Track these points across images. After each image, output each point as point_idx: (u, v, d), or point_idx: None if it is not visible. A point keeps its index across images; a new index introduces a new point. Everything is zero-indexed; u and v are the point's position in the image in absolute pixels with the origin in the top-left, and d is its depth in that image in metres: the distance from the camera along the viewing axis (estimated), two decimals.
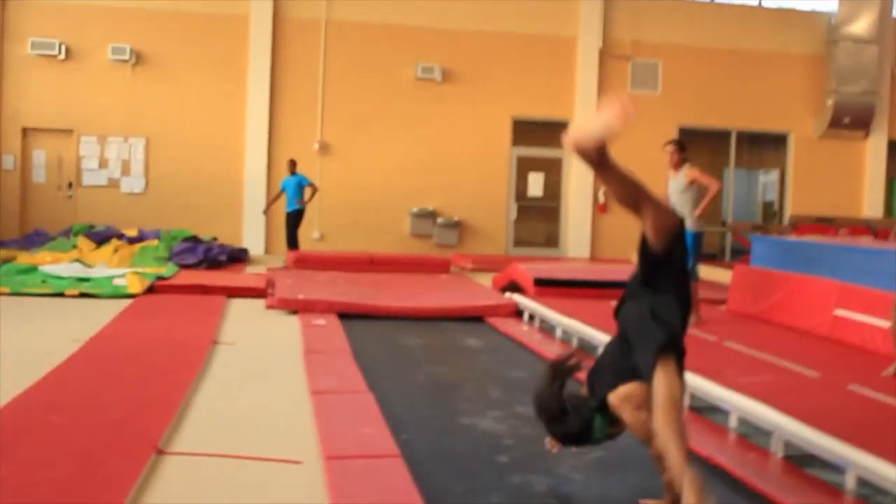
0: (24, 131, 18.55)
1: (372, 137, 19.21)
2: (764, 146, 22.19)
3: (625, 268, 12.82)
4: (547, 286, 11.59)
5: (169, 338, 8.44)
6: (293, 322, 9.96)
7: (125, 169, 18.74)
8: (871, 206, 21.28)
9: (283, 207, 16.87)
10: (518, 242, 20.13)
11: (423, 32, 19.38)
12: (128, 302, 10.88)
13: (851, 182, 21.28)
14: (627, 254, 19.39)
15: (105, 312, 9.95)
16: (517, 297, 11.09)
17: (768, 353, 7.91)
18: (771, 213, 22.53)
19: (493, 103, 19.66)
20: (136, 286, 11.58)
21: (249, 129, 18.81)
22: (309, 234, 18.98)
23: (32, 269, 13.02)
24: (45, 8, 18.32)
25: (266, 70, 18.78)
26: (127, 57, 18.36)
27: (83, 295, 11.31)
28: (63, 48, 18.29)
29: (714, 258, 21.32)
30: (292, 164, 16.79)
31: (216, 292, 11.90)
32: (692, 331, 8.12)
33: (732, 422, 5.95)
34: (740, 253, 21.54)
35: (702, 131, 21.00)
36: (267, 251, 18.86)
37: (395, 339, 9.28)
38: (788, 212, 21.16)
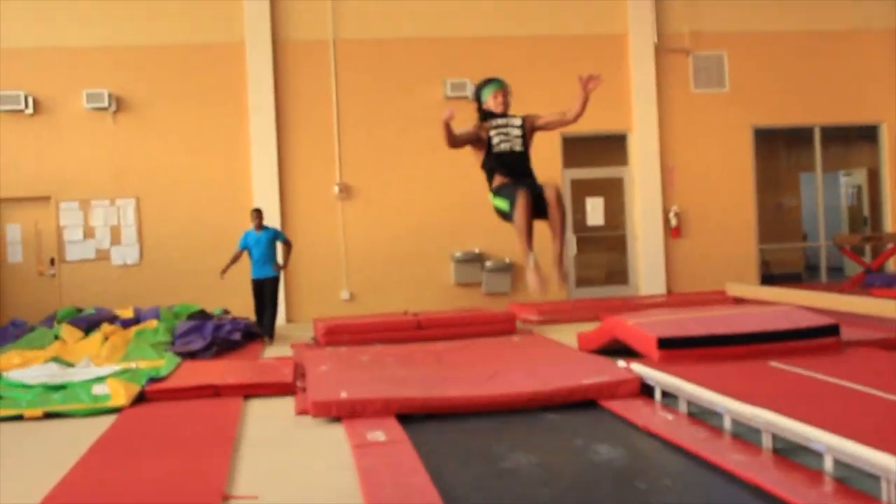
0: None
1: (400, 173, 16.29)
2: (845, 143, 19.17)
3: (763, 311, 9.80)
4: (676, 347, 8.57)
5: (156, 499, 5.47)
6: (338, 438, 6.96)
7: (115, 237, 15.89)
8: None
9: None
10: (581, 281, 17.11)
11: (449, 43, 16.51)
12: (108, 421, 7.92)
13: None
14: (709, 284, 16.44)
15: (72, 444, 7.01)
16: (638, 368, 8.06)
17: None
18: (860, 221, 19.47)
19: None
20: (120, 396, 8.62)
21: (256, 175, 15.92)
22: (336, 296, 16.07)
23: None
24: (4, 55, 15.52)
25: (269, 105, 15.91)
26: (106, 104, 15.55)
27: (49, 416, 8.35)
28: (30, 100, 15.51)
29: (799, 279, 18.29)
30: (258, 216, 13.36)
31: (228, 392, 8.93)
32: None
33: None
34: (836, 271, 18.54)
35: (780, 130, 18.00)
36: (288, 319, 15.91)
37: (493, 456, 6.26)
38: (889, 218, 18.08)
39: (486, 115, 7.67)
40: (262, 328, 13.35)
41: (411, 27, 16.42)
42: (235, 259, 13.34)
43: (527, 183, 7.36)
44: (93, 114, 15.69)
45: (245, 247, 13.31)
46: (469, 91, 16.19)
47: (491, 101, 7.68)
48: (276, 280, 13.33)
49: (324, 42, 16.18)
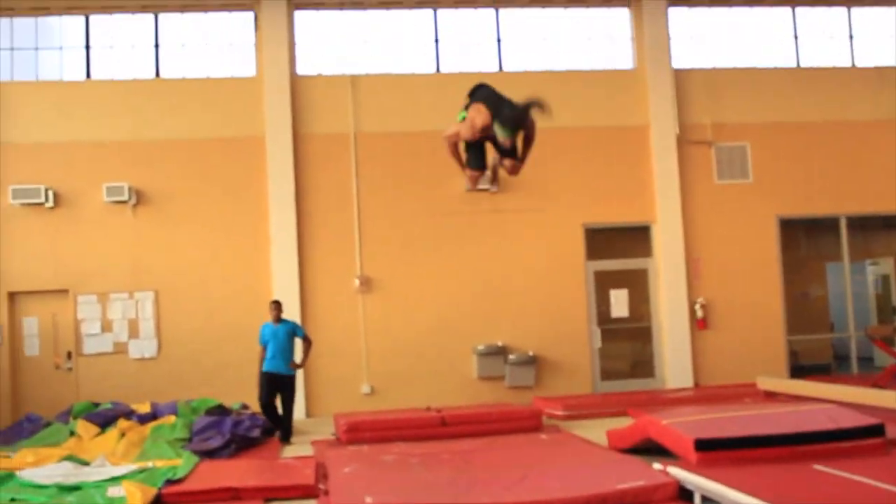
0: (11, 296, 15.57)
1: (422, 265, 16.09)
2: (871, 232, 18.94)
3: (803, 410, 9.46)
4: (714, 449, 8.22)
5: None
6: None
7: (133, 330, 15.68)
8: None
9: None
10: (606, 375, 16.75)
11: None
12: None
13: None
14: (737, 376, 16.11)
15: None
16: (676, 471, 7.72)
17: None
18: (889, 310, 19.15)
19: (561, 211, 16.57)
20: (136, 499, 8.32)
21: (276, 268, 15.76)
22: (357, 390, 15.79)
23: (7, 478, 9.83)
24: (24, 149, 15.56)
25: (290, 198, 15.82)
26: (126, 197, 15.49)
27: None
28: (50, 194, 15.45)
29: (828, 370, 17.91)
30: (277, 307, 12.78)
31: (248, 496, 8.62)
32: None
33: None
34: (866, 360, 18.15)
35: (804, 220, 17.79)
36: (308, 414, 15.59)
37: None
38: None
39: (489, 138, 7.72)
40: (272, 423, 12.70)
41: (432, 119, 16.28)
42: (263, 359, 12.64)
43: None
44: (113, 207, 15.63)
45: (264, 342, 12.68)
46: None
47: (500, 137, 7.51)
48: (291, 378, 12.70)
49: (344, 135, 16.16)
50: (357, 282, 15.94)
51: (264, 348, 12.64)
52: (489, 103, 7.49)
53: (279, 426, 12.70)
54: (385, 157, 16.24)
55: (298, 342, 13.11)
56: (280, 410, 12.74)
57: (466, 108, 7.79)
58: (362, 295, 15.99)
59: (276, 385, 12.55)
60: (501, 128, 7.33)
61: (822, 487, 7.11)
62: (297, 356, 13.08)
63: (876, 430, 8.64)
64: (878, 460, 8.03)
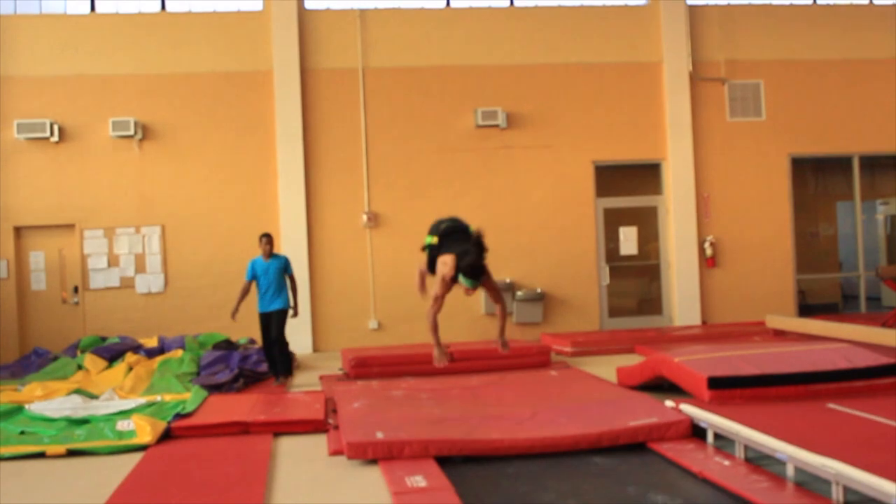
0: (18, 231, 15.49)
1: (430, 202, 15.93)
2: (882, 172, 18.75)
3: (817, 348, 9.39)
4: (727, 387, 8.17)
5: None
6: (375, 481, 6.61)
7: (139, 265, 15.63)
8: None
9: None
10: (613, 312, 16.69)
11: (481, 72, 16.21)
12: (133, 460, 7.59)
13: None
14: (746, 315, 16.07)
15: (97, 485, 6.71)
16: (689, 409, 7.67)
17: None
18: None
19: (571, 148, 16.39)
20: (146, 433, 8.29)
21: (283, 204, 15.64)
22: (364, 325, 15.75)
23: (16, 411, 9.83)
24: (29, 83, 15.38)
25: (297, 133, 15.65)
26: (132, 132, 15.32)
27: (72, 453, 8.02)
28: (56, 128, 15.30)
29: (836, 310, 17.86)
30: (269, 242, 11.84)
31: (258, 430, 8.60)
32: None
33: None
34: (873, 301, 18.08)
35: (816, 159, 17.62)
36: (316, 349, 15.59)
37: None
38: None
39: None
40: (272, 368, 11.92)
41: (442, 55, 16.14)
42: (245, 293, 11.83)
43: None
44: (118, 142, 15.48)
45: (252, 277, 11.85)
46: (500, 119, 15.96)
47: (463, 287, 8.48)
48: (283, 313, 11.76)
49: (353, 70, 15.94)
50: (365, 218, 15.84)
51: (250, 284, 11.84)
52: (454, 250, 8.43)
53: (276, 368, 11.91)
54: (394, 93, 16.03)
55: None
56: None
57: (430, 235, 8.87)
58: (370, 231, 15.90)
59: (277, 321, 11.77)
60: (465, 279, 8.26)
61: (836, 425, 7.07)
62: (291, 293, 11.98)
63: (891, 370, 8.58)
64: (893, 399, 7.97)
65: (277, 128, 15.63)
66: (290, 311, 11.87)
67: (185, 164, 15.62)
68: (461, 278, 8.25)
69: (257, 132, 15.67)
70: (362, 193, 15.88)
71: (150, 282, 15.64)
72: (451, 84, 16.15)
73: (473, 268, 8.22)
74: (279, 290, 11.78)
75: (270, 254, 11.84)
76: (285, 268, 11.88)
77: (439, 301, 8.58)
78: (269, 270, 11.78)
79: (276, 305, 11.75)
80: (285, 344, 11.91)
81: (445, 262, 8.38)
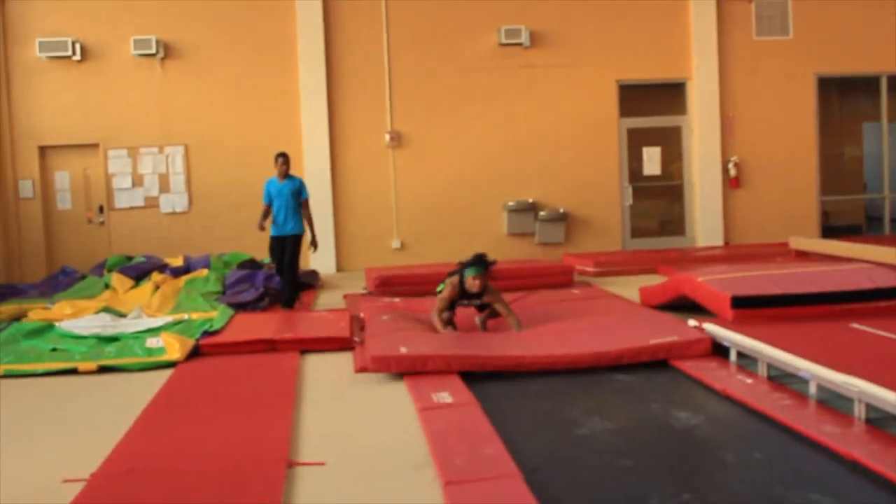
0: (42, 150, 15.57)
1: (452, 122, 15.90)
2: None
3: (841, 269, 9.40)
4: (750, 307, 8.21)
5: (217, 462, 5.24)
6: (402, 398, 6.72)
7: (164, 185, 15.70)
8: None
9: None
10: (636, 232, 16.70)
11: None
12: (163, 376, 7.74)
13: None
14: (769, 236, 16.05)
15: (129, 401, 6.85)
16: (711, 328, 7.72)
17: None
18: None
19: (594, 67, 16.24)
20: (175, 350, 8.44)
21: (306, 123, 15.61)
22: (387, 245, 15.82)
23: (47, 328, 10.03)
24: (50, 1, 15.28)
25: (320, 53, 15.55)
26: (154, 51, 15.27)
27: (103, 369, 8.18)
28: (77, 47, 15.26)
29: (859, 231, 17.77)
30: (285, 162, 11.33)
31: (285, 347, 8.72)
32: None
33: None
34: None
35: (843, 79, 17.40)
36: (339, 268, 15.70)
37: (566, 421, 5.98)
38: None
39: (463, 292, 8.86)
40: (286, 300, 11.40)
41: None
42: (266, 215, 11.40)
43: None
44: (141, 60, 15.44)
45: (271, 200, 11.35)
46: (524, 38, 15.79)
47: (470, 282, 8.75)
48: (296, 238, 11.28)
49: None
50: (388, 137, 15.81)
51: (268, 206, 11.36)
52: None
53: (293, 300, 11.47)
54: (417, 11, 15.85)
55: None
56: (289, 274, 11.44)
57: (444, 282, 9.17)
58: (393, 150, 15.88)
59: (291, 246, 11.31)
60: (468, 270, 8.79)
61: (859, 344, 7.10)
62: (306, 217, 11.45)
63: None
64: None
65: (300, 47, 15.54)
66: (308, 242, 11.38)
67: (207, 83, 15.58)
68: (466, 272, 8.79)
69: (279, 51, 15.58)
70: (385, 113, 15.82)
71: (174, 201, 15.72)
72: (475, 2, 15.95)
73: (478, 256, 8.92)
74: (293, 214, 11.27)
75: (286, 174, 11.36)
76: (299, 191, 11.36)
77: (444, 303, 8.92)
78: (282, 192, 11.30)
79: (288, 230, 11.25)
80: (296, 273, 11.44)
81: (452, 283, 8.85)
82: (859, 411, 5.59)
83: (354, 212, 15.70)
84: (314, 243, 11.45)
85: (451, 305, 8.90)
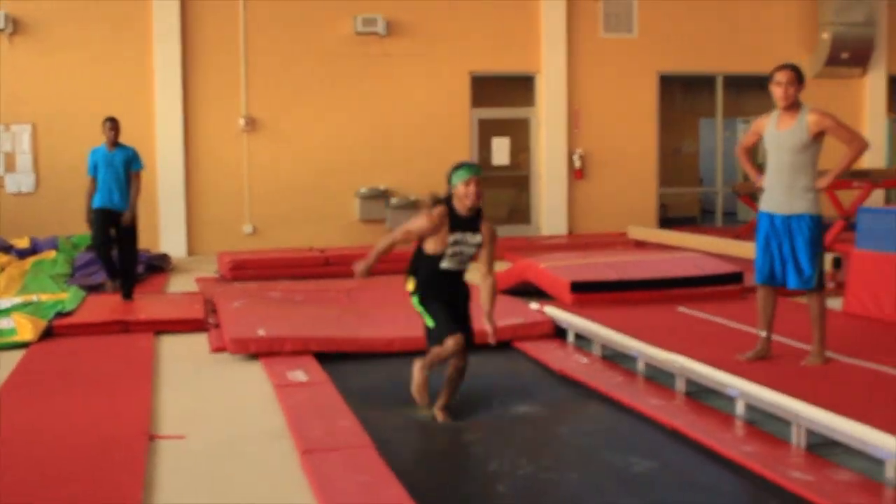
0: None
1: (308, 108, 16.05)
2: (744, 91, 19.60)
3: (671, 257, 10.07)
4: (588, 291, 8.76)
5: (78, 438, 5.40)
6: (258, 376, 6.98)
7: (9, 164, 15.34)
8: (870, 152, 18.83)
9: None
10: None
11: None
12: (15, 357, 7.75)
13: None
14: (610, 226, 16.79)
15: None
16: (551, 311, 8.23)
17: None
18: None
19: (449, 58, 16.65)
20: (27, 331, 8.42)
21: (160, 106, 15.49)
22: (239, 229, 15.87)
23: None
24: None
25: (175, 32, 15.42)
26: (2, 25, 14.90)
27: None
28: None
29: (694, 223, 18.81)
30: (114, 128, 10.29)
31: (138, 329, 8.81)
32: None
33: None
34: (730, 216, 19.09)
35: (683, 77, 18.35)
36: (190, 252, 15.68)
37: (413, 400, 6.34)
38: None
39: (453, 219, 6.06)
40: (108, 271, 10.58)
41: None
42: (92, 195, 10.30)
43: (459, 324, 6.25)
44: None
45: (94, 172, 10.29)
46: (380, 27, 16.07)
47: (461, 188, 5.95)
48: (134, 218, 10.21)
49: None
50: (242, 122, 15.86)
51: (94, 179, 10.29)
52: None
53: (115, 276, 10.50)
54: None
55: None
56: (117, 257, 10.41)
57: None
58: (247, 135, 15.92)
59: (111, 224, 10.20)
60: (457, 173, 6.04)
61: (684, 325, 7.73)
62: (134, 191, 10.30)
63: (735, 277, 9.33)
64: (736, 304, 8.70)
65: (154, 26, 15.39)
66: (127, 214, 10.14)
67: (57, 60, 15.26)
68: (455, 177, 6.02)
69: (134, 29, 15.38)
70: (240, 97, 15.85)
71: (20, 181, 15.38)
72: None
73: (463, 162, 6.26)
74: (122, 186, 10.20)
75: (115, 142, 10.34)
76: (131, 161, 10.33)
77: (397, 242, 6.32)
78: (113, 162, 10.23)
79: (114, 202, 10.14)
80: (134, 259, 10.48)
81: (430, 214, 6.06)
82: (681, 385, 6.15)
83: (207, 195, 15.69)
84: (133, 216, 10.17)
85: (433, 263, 6.13)
